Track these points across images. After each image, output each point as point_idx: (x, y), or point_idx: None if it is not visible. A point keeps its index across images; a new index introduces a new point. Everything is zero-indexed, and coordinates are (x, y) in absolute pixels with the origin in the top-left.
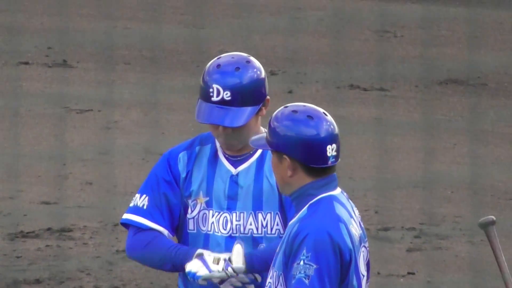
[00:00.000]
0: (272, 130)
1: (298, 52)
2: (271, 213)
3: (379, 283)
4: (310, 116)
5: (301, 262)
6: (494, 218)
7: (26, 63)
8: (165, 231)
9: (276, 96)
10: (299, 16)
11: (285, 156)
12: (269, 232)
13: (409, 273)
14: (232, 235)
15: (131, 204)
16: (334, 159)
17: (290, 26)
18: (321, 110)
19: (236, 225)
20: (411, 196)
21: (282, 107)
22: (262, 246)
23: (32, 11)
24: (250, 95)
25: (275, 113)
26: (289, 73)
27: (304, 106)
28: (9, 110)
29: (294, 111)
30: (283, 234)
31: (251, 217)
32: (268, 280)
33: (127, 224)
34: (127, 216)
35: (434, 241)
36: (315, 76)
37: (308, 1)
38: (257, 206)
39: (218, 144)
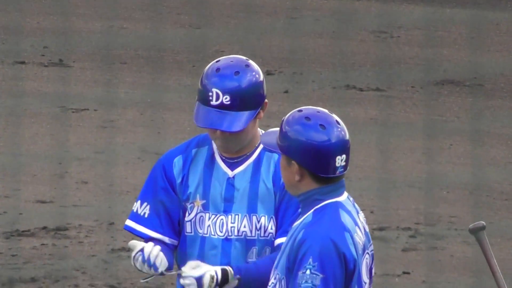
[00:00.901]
0: (283, 134)
1: (295, 52)
2: (265, 216)
3: (374, 283)
4: (323, 125)
5: (307, 271)
6: (485, 224)
7: (23, 63)
8: (165, 238)
9: (272, 96)
10: (295, 16)
11: (293, 162)
12: (262, 235)
13: (404, 272)
14: (228, 237)
15: (134, 209)
16: (342, 169)
17: (287, 26)
18: (334, 117)
19: (231, 227)
20: (407, 196)
21: (296, 110)
22: (255, 249)
23: (28, 10)
24: (249, 99)
25: (287, 116)
26: (286, 73)
27: (318, 112)
28: (5, 109)
29: (307, 118)
30: (276, 238)
31: (245, 219)
32: (272, 280)
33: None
34: (129, 223)
35: (429, 241)
36: (311, 76)
37: (304, 2)
38: (252, 209)
39: (215, 146)
